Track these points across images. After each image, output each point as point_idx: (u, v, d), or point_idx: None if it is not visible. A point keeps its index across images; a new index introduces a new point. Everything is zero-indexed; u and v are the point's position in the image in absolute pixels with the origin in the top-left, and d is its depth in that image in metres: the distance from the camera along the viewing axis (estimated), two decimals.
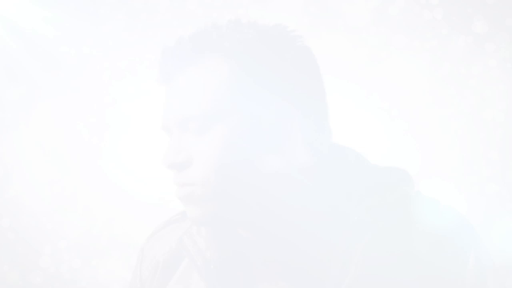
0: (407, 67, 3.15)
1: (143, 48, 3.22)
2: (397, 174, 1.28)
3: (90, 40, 3.22)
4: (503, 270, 2.91)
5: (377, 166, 1.29)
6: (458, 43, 3.06)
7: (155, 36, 3.21)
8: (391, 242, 1.21)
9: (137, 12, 3.25)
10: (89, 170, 3.25)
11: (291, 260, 1.22)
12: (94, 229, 3.25)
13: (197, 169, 1.18)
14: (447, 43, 3.09)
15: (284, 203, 1.21)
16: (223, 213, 1.20)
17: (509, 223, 3.00)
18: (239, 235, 1.25)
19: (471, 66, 3.07)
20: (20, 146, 3.29)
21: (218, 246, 1.26)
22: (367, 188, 1.23)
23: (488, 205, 3.07)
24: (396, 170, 1.29)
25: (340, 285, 1.19)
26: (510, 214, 3.01)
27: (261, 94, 1.19)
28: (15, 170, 3.26)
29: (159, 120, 1.24)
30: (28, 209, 3.23)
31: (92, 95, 3.27)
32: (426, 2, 3.04)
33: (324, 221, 1.21)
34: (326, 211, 1.21)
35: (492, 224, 3.01)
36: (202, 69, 1.19)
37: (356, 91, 3.15)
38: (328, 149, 1.25)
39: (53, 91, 3.26)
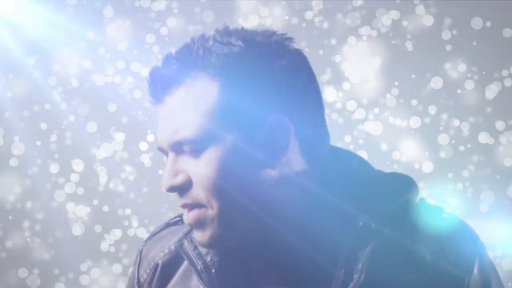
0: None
1: (143, 47, 3.21)
2: (401, 180, 1.26)
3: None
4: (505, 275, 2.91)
5: (381, 172, 1.27)
6: None
7: (155, 35, 3.20)
8: (395, 250, 1.19)
9: (137, 13, 3.24)
10: None
11: (293, 266, 1.20)
12: None
13: (198, 190, 1.16)
14: None
15: (286, 208, 1.19)
16: (228, 234, 1.18)
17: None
18: (241, 244, 1.23)
19: None
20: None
21: (218, 251, 1.24)
22: (371, 195, 1.21)
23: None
24: (400, 176, 1.27)
25: None
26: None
27: (254, 108, 1.15)
28: None
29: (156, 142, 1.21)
30: None
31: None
32: None
33: (328, 226, 1.19)
34: (330, 217, 1.19)
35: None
36: (191, 89, 1.16)
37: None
38: (328, 153, 1.23)
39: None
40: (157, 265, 1.32)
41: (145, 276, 1.34)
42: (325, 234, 1.19)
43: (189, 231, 1.29)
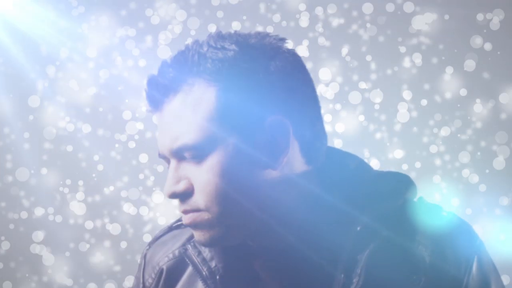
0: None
1: (144, 49, 3.21)
2: (399, 180, 1.26)
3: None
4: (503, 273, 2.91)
5: (380, 172, 1.28)
6: None
7: (157, 37, 3.20)
8: (394, 251, 1.20)
9: (138, 13, 3.23)
10: None
11: (295, 269, 1.21)
12: None
13: (199, 196, 1.17)
14: None
15: (287, 210, 1.20)
16: (229, 234, 1.19)
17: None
18: (243, 246, 1.24)
19: None
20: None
21: (222, 256, 1.26)
22: (370, 195, 1.22)
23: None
24: (398, 175, 1.27)
25: None
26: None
27: (252, 111, 1.16)
28: None
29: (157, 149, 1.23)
30: None
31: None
32: None
33: (328, 228, 1.20)
34: (329, 218, 1.20)
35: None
36: (188, 96, 1.17)
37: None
38: (326, 154, 1.23)
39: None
40: (161, 270, 1.33)
41: (150, 281, 1.35)
42: (325, 236, 1.20)
43: (193, 236, 1.29)
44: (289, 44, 1.22)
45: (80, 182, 3.26)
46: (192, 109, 1.16)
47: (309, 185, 1.21)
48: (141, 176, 3.23)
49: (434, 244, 1.21)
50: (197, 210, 1.18)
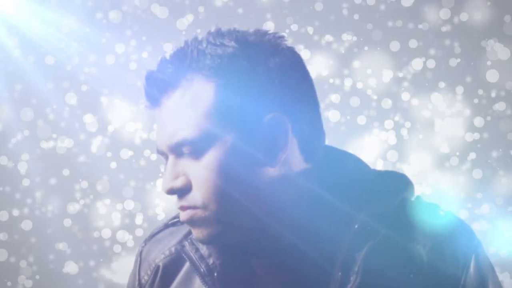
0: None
1: (143, 48, 3.20)
2: (397, 179, 1.27)
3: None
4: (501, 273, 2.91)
5: (377, 171, 1.28)
6: None
7: (154, 36, 3.19)
8: (393, 249, 1.20)
9: (137, 13, 3.23)
10: None
11: (293, 266, 1.21)
12: None
13: (197, 193, 1.17)
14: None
15: (285, 207, 1.20)
16: (227, 232, 1.19)
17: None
18: (241, 243, 1.23)
19: None
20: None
21: (220, 253, 1.25)
22: (367, 194, 1.22)
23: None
24: (396, 174, 1.28)
25: None
26: None
27: (251, 108, 1.16)
28: None
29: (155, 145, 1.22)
30: None
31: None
32: None
33: (325, 226, 1.20)
34: (327, 217, 1.20)
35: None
36: (187, 91, 1.17)
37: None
38: (324, 152, 1.24)
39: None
40: (158, 267, 1.33)
41: (146, 278, 1.34)
42: (323, 234, 1.20)
43: (189, 233, 1.29)
44: (288, 42, 1.22)
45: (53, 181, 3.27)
46: (191, 105, 1.17)
47: (307, 183, 1.21)
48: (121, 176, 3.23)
49: (432, 242, 1.21)
50: (194, 207, 1.18)
